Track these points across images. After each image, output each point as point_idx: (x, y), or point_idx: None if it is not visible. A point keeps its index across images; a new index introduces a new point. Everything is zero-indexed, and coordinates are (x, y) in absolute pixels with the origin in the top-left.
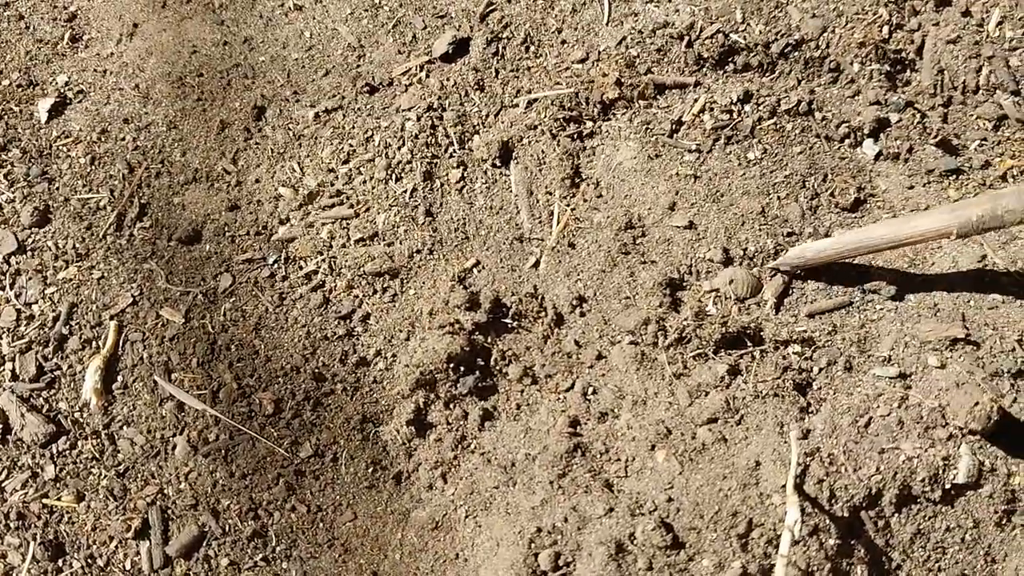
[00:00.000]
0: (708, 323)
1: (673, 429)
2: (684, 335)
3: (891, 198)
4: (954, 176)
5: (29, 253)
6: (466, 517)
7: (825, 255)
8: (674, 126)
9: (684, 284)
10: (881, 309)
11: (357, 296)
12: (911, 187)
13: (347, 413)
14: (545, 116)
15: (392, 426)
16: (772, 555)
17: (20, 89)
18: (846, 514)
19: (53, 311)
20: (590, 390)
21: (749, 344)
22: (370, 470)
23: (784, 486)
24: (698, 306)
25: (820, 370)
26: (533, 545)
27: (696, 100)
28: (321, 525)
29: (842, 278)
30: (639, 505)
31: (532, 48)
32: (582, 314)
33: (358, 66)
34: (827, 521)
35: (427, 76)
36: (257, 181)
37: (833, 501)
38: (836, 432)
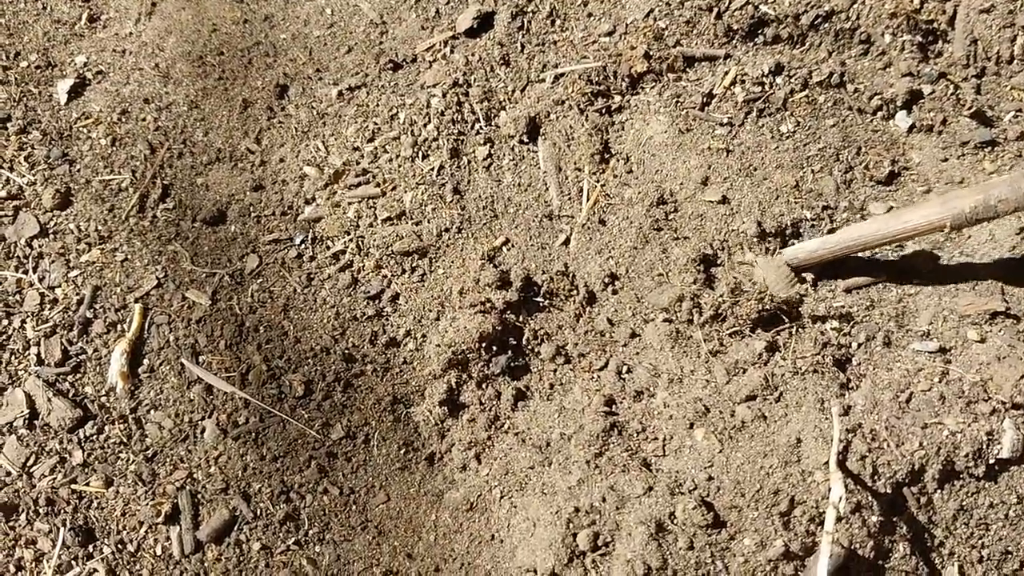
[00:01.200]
0: (744, 300)
1: (711, 407)
2: (720, 312)
3: (925, 171)
4: (989, 148)
5: (51, 236)
6: (501, 498)
7: (818, 255)
8: (705, 99)
9: (718, 260)
10: (918, 284)
11: (386, 276)
12: (945, 160)
13: (378, 394)
14: (572, 91)
15: (424, 407)
16: (815, 533)
17: (39, 70)
18: (889, 491)
19: (77, 294)
20: (624, 369)
21: (786, 320)
22: (402, 451)
23: (826, 463)
24: (734, 282)
25: (859, 346)
26: (571, 525)
27: (727, 73)
28: (354, 508)
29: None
30: (678, 484)
31: (558, 21)
32: (614, 292)
33: (381, 43)
34: (870, 498)
35: (451, 52)
36: (281, 160)
37: (876, 478)
38: (877, 408)
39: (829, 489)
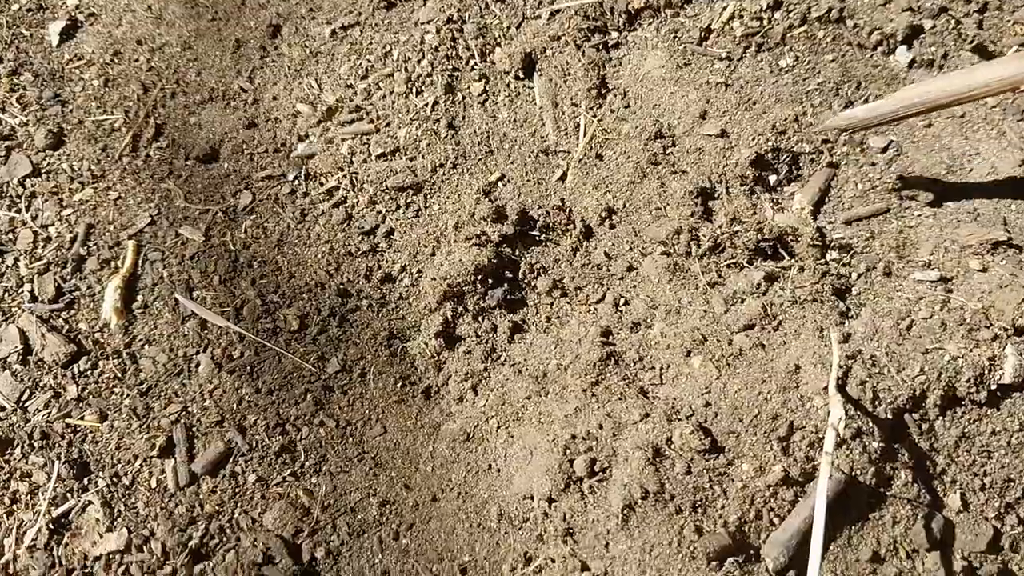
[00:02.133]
0: (743, 231)
1: (708, 336)
2: (718, 244)
3: None
4: None
5: (44, 176)
6: (498, 428)
7: (879, 114)
8: (703, 34)
9: (716, 194)
10: (919, 215)
11: (380, 211)
12: None
13: (373, 329)
14: (569, 27)
15: (420, 340)
16: (814, 458)
17: (30, 13)
18: (890, 416)
19: (70, 232)
20: (621, 301)
21: (784, 252)
22: (399, 385)
23: (825, 388)
24: (732, 214)
25: (859, 276)
26: (568, 451)
27: (725, 7)
28: (351, 440)
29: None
30: (676, 411)
31: None
32: (611, 226)
33: None
34: (870, 424)
35: None
36: (274, 99)
37: (876, 403)
38: (878, 335)
39: (828, 412)
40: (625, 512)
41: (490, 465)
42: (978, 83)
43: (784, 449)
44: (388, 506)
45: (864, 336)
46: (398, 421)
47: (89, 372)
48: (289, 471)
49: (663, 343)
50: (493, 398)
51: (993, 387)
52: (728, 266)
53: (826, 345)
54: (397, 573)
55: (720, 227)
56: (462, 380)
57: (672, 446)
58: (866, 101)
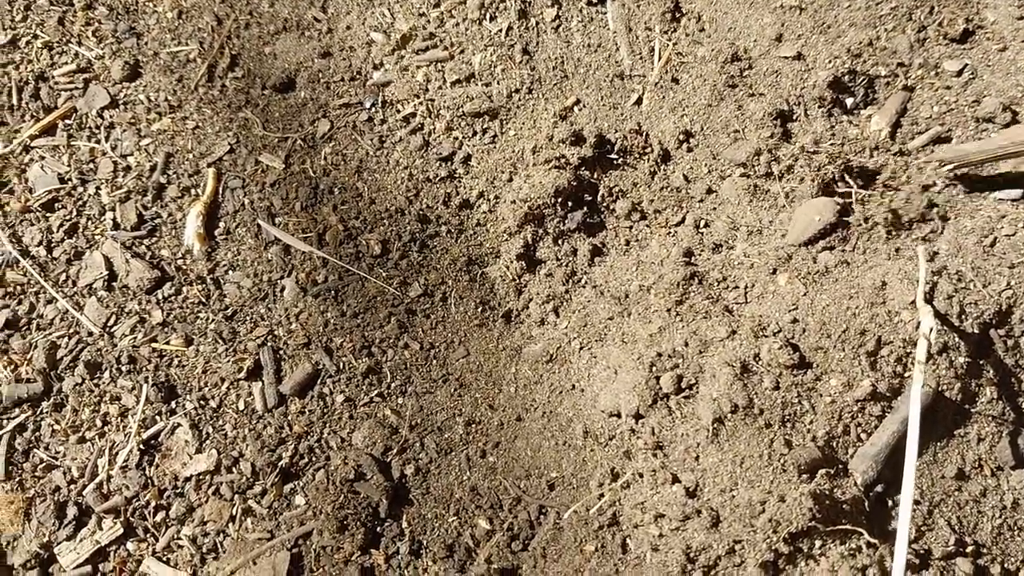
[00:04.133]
0: (823, 152)
1: (793, 255)
2: (798, 165)
3: (1000, 29)
4: None
5: (122, 107)
6: (580, 349)
7: (971, 158)
8: None
9: (794, 116)
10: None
11: (457, 137)
12: (1021, 18)
13: (453, 255)
14: None
15: (500, 264)
16: (902, 374)
17: None
18: (976, 331)
19: (149, 161)
20: (702, 223)
21: (864, 173)
22: (479, 309)
23: (913, 302)
24: (812, 136)
25: (938, 195)
26: (654, 368)
27: None
28: (434, 362)
29: None
30: (762, 328)
31: None
32: (689, 149)
33: None
34: (956, 339)
35: None
36: (348, 28)
37: (963, 317)
38: (962, 251)
39: (919, 323)
40: (715, 426)
41: (573, 385)
42: None
43: (872, 364)
44: (474, 425)
45: (948, 253)
46: (480, 344)
47: (173, 297)
48: (376, 392)
49: (746, 263)
50: (575, 320)
51: None
52: (809, 187)
53: (910, 260)
54: (485, 489)
55: (801, 148)
56: (543, 302)
57: (760, 362)
58: (939, 26)
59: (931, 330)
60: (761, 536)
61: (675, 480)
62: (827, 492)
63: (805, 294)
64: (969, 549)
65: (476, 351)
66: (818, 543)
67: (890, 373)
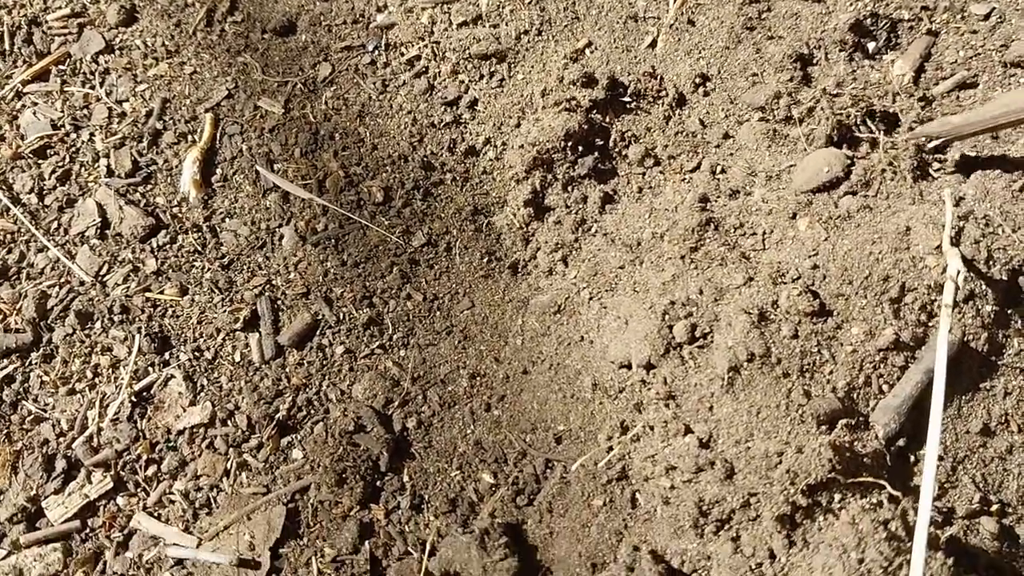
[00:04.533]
0: (844, 96)
1: (814, 200)
2: (818, 109)
3: None
4: None
5: (117, 52)
6: (590, 299)
7: (953, 129)
8: None
9: (814, 59)
10: None
11: (463, 81)
12: None
13: (458, 203)
14: None
15: (508, 211)
16: (926, 322)
17: None
18: (1004, 278)
19: (145, 107)
20: (718, 169)
21: (887, 117)
22: (485, 260)
23: (938, 247)
24: (833, 79)
25: (963, 140)
26: (667, 317)
27: None
28: (438, 313)
29: None
30: (781, 274)
31: None
32: (705, 93)
33: None
34: (984, 286)
35: None
36: None
37: (991, 263)
38: (989, 196)
39: (944, 268)
40: (730, 375)
41: (582, 337)
42: None
43: (895, 312)
44: (478, 378)
45: (975, 198)
46: (485, 295)
47: (168, 246)
48: (377, 343)
49: (765, 208)
50: (584, 269)
51: None
52: (830, 132)
53: (936, 205)
54: (490, 443)
55: (823, 91)
56: (552, 251)
57: (778, 309)
58: None
59: (958, 273)
60: (778, 488)
61: (688, 431)
62: (847, 444)
63: (826, 239)
64: (994, 508)
65: (481, 302)
66: (837, 496)
67: (914, 321)
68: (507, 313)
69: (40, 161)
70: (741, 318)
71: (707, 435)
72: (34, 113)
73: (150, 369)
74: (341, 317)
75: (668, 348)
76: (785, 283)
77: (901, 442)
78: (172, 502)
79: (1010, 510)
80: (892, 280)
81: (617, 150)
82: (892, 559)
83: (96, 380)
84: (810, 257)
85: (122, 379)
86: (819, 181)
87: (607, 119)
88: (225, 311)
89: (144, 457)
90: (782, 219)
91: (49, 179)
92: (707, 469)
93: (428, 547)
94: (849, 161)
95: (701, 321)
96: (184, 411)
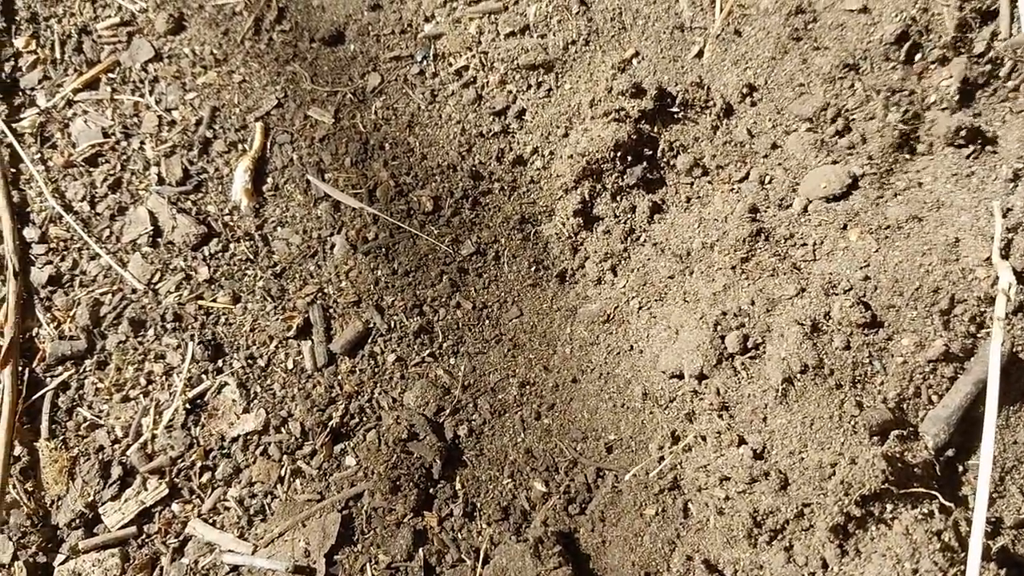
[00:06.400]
0: (895, 109)
1: (862, 211)
2: (866, 120)
3: None
4: None
5: (166, 60)
6: (639, 309)
7: None
8: None
9: (860, 70)
10: None
11: (511, 91)
12: None
13: (506, 212)
14: None
15: (556, 220)
16: (975, 333)
17: None
18: None
19: (195, 116)
20: (767, 179)
21: (936, 128)
22: (533, 269)
23: (988, 258)
24: (885, 89)
25: (1010, 153)
26: (719, 328)
27: None
28: (487, 322)
29: None
30: (833, 285)
31: None
32: (752, 103)
33: None
34: None
35: None
36: None
37: None
38: None
39: (995, 280)
40: (784, 386)
41: (632, 346)
42: None
43: (945, 323)
44: (528, 387)
45: None
46: (534, 304)
47: (220, 254)
48: (428, 351)
49: (814, 219)
50: (633, 278)
51: None
52: (878, 143)
53: (985, 217)
54: (541, 452)
55: (869, 103)
56: (600, 261)
57: (831, 320)
58: None
59: (1010, 286)
60: (832, 499)
61: (742, 442)
62: (899, 455)
63: (876, 250)
64: None
65: (530, 311)
66: (889, 507)
67: (963, 333)
68: (555, 322)
69: (92, 169)
70: (794, 329)
71: (761, 446)
72: (85, 121)
73: (203, 377)
74: (392, 325)
75: (720, 358)
76: (837, 294)
77: (950, 452)
78: (227, 509)
79: None
80: (942, 292)
81: (665, 160)
82: (946, 570)
83: (150, 387)
84: (861, 268)
85: (176, 386)
86: (818, 195)
87: (655, 129)
88: (278, 319)
89: (199, 464)
90: (832, 230)
91: (101, 187)
92: (761, 480)
93: (482, 555)
94: (850, 179)
95: (753, 332)
96: (238, 418)
